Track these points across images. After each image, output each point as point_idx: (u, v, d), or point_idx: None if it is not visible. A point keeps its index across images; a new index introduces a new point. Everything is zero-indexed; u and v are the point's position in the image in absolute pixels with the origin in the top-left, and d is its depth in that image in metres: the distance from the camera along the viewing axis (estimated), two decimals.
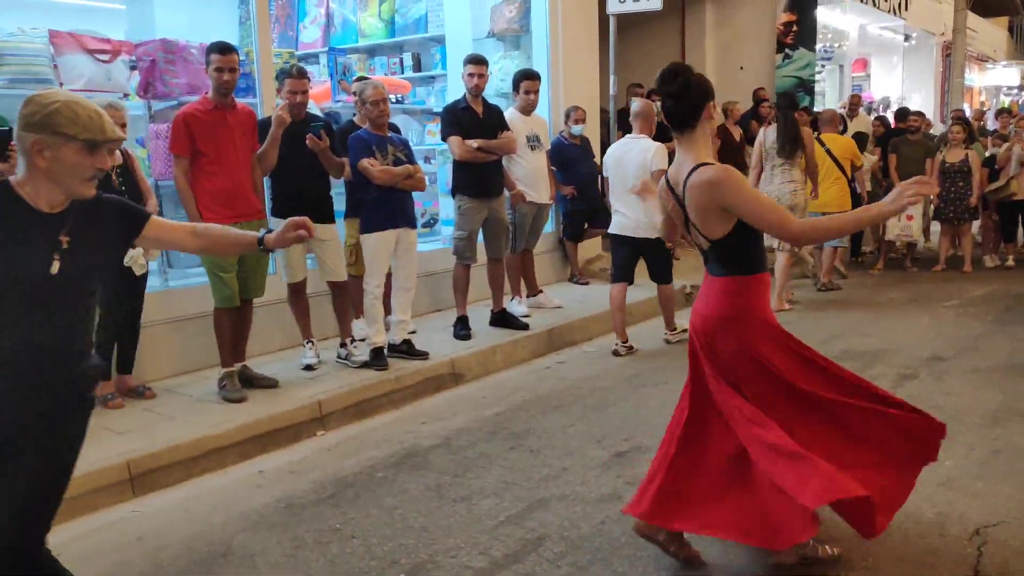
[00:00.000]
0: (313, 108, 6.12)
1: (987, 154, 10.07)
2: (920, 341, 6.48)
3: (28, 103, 2.33)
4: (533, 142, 6.87)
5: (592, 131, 8.53)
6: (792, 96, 8.41)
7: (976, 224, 10.05)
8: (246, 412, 4.69)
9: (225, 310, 4.97)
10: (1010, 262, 9.75)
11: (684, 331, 5.75)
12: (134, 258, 4.70)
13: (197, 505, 3.91)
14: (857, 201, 8.41)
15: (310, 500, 3.90)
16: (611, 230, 6.35)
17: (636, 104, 6.45)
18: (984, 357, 5.95)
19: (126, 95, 5.67)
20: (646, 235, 6.11)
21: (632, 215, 6.15)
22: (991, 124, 14.79)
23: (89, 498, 3.85)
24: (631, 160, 6.13)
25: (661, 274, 6.40)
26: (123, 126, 4.73)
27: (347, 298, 5.64)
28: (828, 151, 8.19)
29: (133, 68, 5.63)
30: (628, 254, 6.30)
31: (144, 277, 4.90)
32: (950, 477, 3.89)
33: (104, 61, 5.44)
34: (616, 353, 6.20)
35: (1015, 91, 28.63)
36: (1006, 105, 20.12)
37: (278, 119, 5.03)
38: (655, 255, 6.25)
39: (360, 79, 6.28)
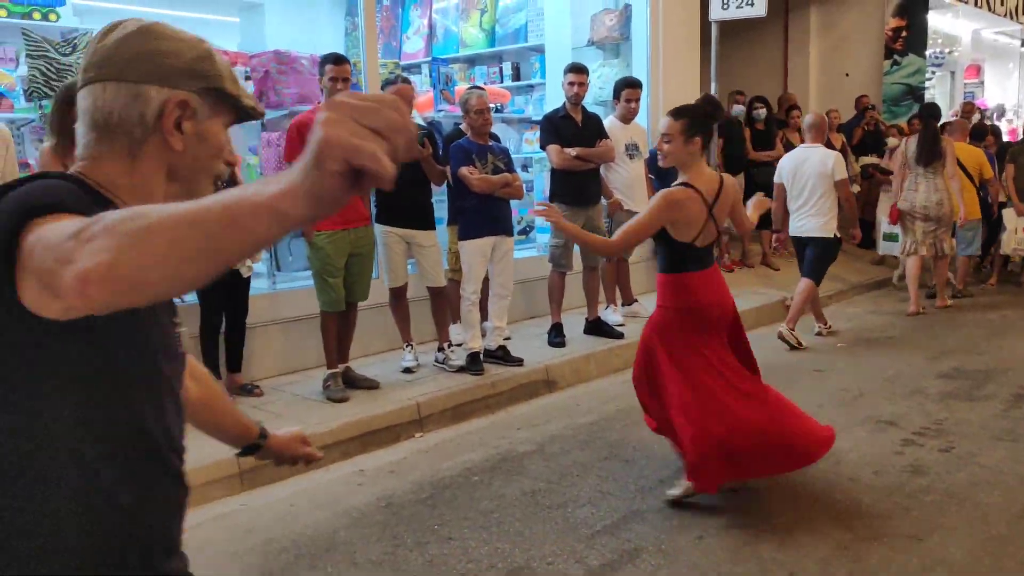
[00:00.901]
0: (416, 117, 6.26)
1: None
2: None
3: (144, 33, 1.27)
4: (632, 150, 6.85)
5: None
6: (934, 106, 8.69)
7: None
8: (348, 412, 4.82)
9: (331, 313, 5.13)
10: None
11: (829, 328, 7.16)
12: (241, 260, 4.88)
13: (301, 501, 4.04)
14: (987, 209, 8.66)
15: (409, 500, 3.98)
16: (791, 232, 7.00)
17: (809, 117, 7.19)
18: None
19: None
20: (813, 235, 6.81)
21: (802, 218, 6.84)
22: None
23: (203, 490, 4.02)
24: (810, 168, 6.74)
25: (811, 271, 6.89)
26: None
27: (445, 303, 5.73)
28: (958, 161, 8.12)
29: (247, 78, 5.87)
30: (801, 251, 7.06)
31: (248, 279, 5.09)
32: None
33: None
34: (819, 334, 7.11)
35: None
36: None
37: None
38: (815, 251, 6.86)
39: (474, 87, 6.37)
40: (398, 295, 5.60)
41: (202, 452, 4.14)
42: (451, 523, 3.72)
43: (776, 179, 7.03)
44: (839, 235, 6.91)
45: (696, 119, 3.74)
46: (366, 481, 4.26)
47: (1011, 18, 16.20)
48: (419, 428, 4.93)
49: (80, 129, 1.28)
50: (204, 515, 3.89)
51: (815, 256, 6.82)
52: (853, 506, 3.75)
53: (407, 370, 5.55)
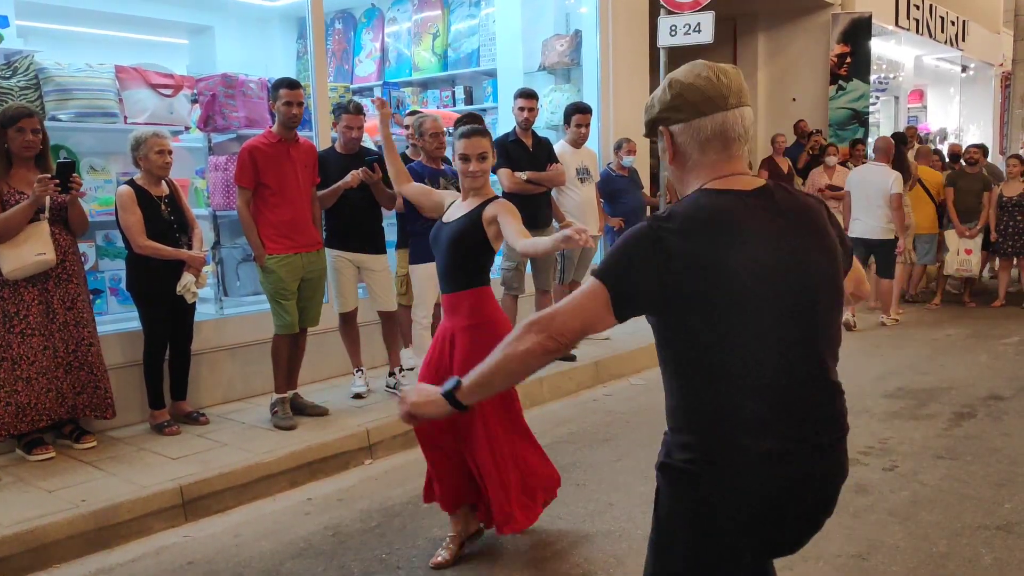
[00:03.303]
0: (367, 141, 6.24)
1: None
2: (978, 379, 6.32)
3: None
4: (583, 174, 6.90)
5: (641, 162, 8.53)
6: (903, 134, 10.40)
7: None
8: (296, 439, 4.75)
9: (284, 337, 5.07)
10: None
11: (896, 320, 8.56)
12: (186, 286, 4.83)
13: (247, 531, 3.97)
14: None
15: (357, 529, 3.93)
16: (850, 234, 8.02)
17: (878, 141, 8.62)
18: None
19: (187, 128, 5.86)
20: (877, 237, 8.18)
21: (869, 222, 8.18)
22: None
23: (142, 522, 3.94)
24: (874, 181, 8.19)
25: (885, 270, 8.38)
26: (169, 153, 4.87)
27: (396, 327, 5.70)
28: (920, 181, 9.33)
29: (194, 102, 5.81)
30: (862, 253, 8.09)
31: (194, 305, 5.02)
32: (1009, 521, 3.78)
33: (167, 95, 5.62)
34: (883, 324, 8.50)
35: None
36: None
37: (352, 178, 5.21)
38: (883, 254, 8.27)
39: (412, 113, 6.39)
40: (348, 320, 5.56)
41: (141, 483, 4.08)
42: (399, 552, 3.67)
43: (846, 188, 8.59)
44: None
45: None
46: (314, 510, 4.19)
47: (951, 45, 16.72)
48: (369, 455, 4.87)
49: None
50: (143, 548, 3.81)
51: (885, 258, 8.32)
52: None
53: (357, 396, 5.49)
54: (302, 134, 5.31)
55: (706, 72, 1.83)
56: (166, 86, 5.63)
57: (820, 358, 1.83)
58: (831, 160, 9.99)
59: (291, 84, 5.02)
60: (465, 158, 3.46)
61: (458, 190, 5.57)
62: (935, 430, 5.12)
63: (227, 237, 5.91)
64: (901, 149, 9.00)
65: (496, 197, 3.54)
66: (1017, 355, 7.09)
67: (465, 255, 3.48)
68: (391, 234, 5.99)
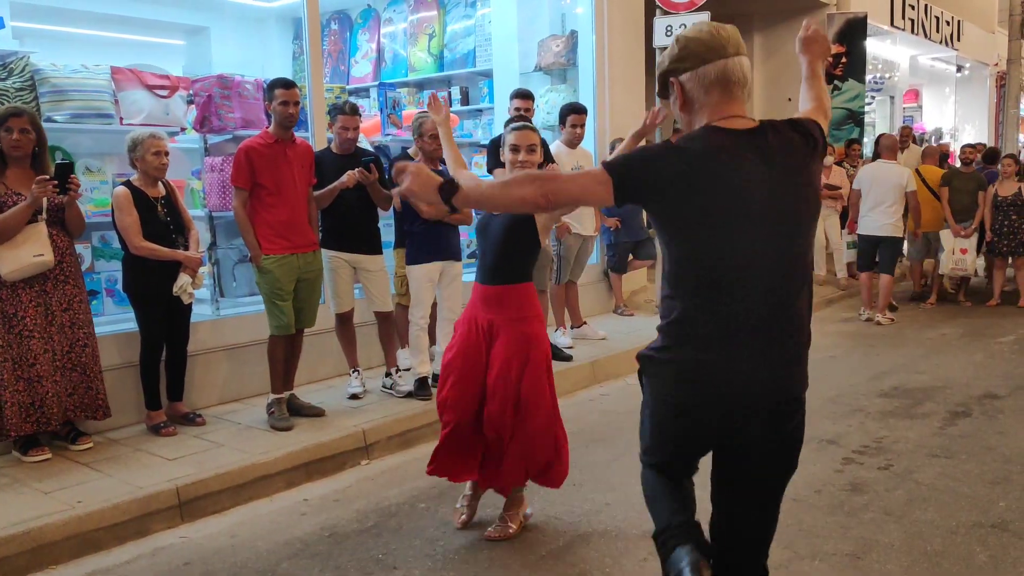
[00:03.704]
0: (363, 141, 6.25)
1: None
2: (973, 378, 6.34)
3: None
4: None
5: None
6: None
7: None
8: (292, 440, 4.75)
9: (280, 338, 5.07)
10: None
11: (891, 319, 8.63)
12: (183, 287, 4.83)
13: (243, 532, 3.97)
14: None
15: (353, 529, 3.93)
16: (859, 231, 8.68)
17: (884, 139, 8.95)
18: None
19: (183, 129, 5.86)
20: (883, 234, 8.45)
21: (879, 220, 8.43)
22: None
23: (139, 523, 3.94)
24: (886, 179, 8.46)
25: (888, 266, 8.57)
26: (166, 155, 4.88)
27: (393, 328, 5.70)
28: (924, 180, 9.48)
29: (190, 103, 5.81)
30: (869, 247, 8.63)
31: (190, 306, 5.02)
32: (1003, 519, 3.80)
33: (163, 96, 5.62)
34: (870, 320, 8.63)
35: None
36: None
37: (348, 178, 5.23)
38: (886, 249, 8.53)
39: (423, 114, 6.37)
40: (344, 320, 5.56)
41: (137, 484, 4.08)
42: (396, 552, 3.68)
43: (855, 186, 8.82)
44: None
45: None
46: (310, 511, 4.20)
47: (946, 45, 16.77)
48: (365, 455, 4.88)
49: None
50: (140, 549, 3.81)
51: (889, 253, 8.54)
52: (795, 525, 3.79)
53: (354, 396, 5.50)
54: (298, 135, 5.32)
55: (707, 27, 2.20)
56: (162, 87, 5.63)
57: (784, 282, 2.15)
58: (828, 160, 10.01)
59: (287, 84, 5.02)
60: (515, 148, 3.58)
61: None
62: (930, 429, 5.13)
63: (223, 238, 5.91)
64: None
65: None
66: (1012, 354, 7.12)
67: (515, 247, 3.53)
68: (388, 234, 5.99)
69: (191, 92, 5.79)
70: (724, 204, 2.07)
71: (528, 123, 3.78)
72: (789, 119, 2.29)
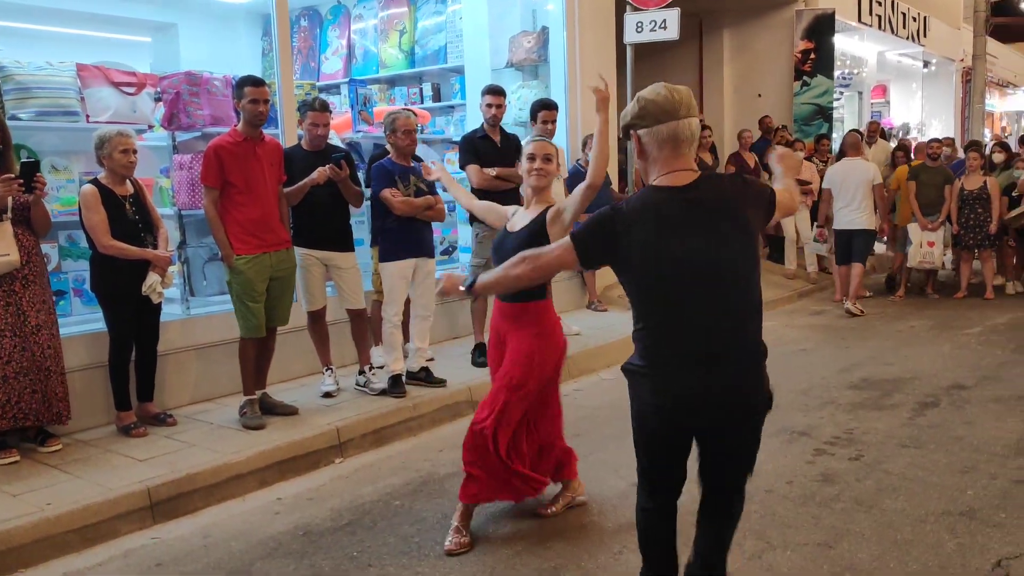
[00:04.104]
0: (334, 138, 6.21)
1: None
2: (941, 369, 6.43)
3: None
4: None
5: (610, 158, 8.57)
6: (859, 133, 10.74)
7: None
8: (265, 439, 4.72)
9: (250, 340, 5.03)
10: None
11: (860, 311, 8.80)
12: (152, 286, 4.78)
13: (216, 532, 3.94)
14: None
15: (328, 528, 3.92)
16: (834, 226, 9.05)
17: (848, 137, 9.45)
18: (1006, 386, 5.89)
19: (151, 127, 5.79)
20: (855, 227, 8.81)
21: (852, 215, 8.82)
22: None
23: (109, 525, 3.89)
24: (855, 176, 8.82)
25: (859, 256, 8.90)
26: (134, 152, 4.82)
27: (366, 325, 5.67)
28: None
29: (158, 100, 5.74)
30: (844, 242, 8.97)
31: (159, 305, 4.96)
32: (971, 507, 3.85)
33: (130, 94, 5.55)
34: (849, 312, 8.75)
35: None
36: None
37: (319, 175, 5.20)
38: (860, 242, 8.87)
39: (406, 109, 6.33)
40: (316, 318, 5.53)
41: (108, 485, 4.03)
42: (370, 550, 3.67)
43: (825, 185, 9.19)
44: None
45: None
46: (284, 510, 4.17)
47: (913, 41, 16.97)
48: (339, 454, 4.86)
49: None
50: (111, 551, 3.77)
51: (863, 245, 8.87)
52: (768, 516, 3.83)
53: (327, 395, 5.47)
54: (268, 132, 5.27)
55: (664, 91, 2.54)
56: (129, 84, 5.56)
57: (728, 311, 2.50)
58: (798, 155, 10.11)
59: (256, 82, 4.98)
60: (532, 157, 3.67)
61: (426, 189, 5.60)
62: (899, 420, 5.20)
63: (193, 236, 5.85)
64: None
65: (552, 205, 3.68)
66: (979, 345, 7.23)
67: None
68: (360, 231, 5.96)
69: (159, 89, 5.72)
70: (663, 256, 2.46)
71: (546, 138, 3.92)
72: (736, 175, 2.77)
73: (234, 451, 4.53)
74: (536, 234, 3.57)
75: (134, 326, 4.87)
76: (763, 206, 2.61)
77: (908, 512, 3.83)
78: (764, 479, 4.25)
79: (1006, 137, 18.85)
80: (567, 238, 2.64)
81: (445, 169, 4.60)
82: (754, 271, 2.56)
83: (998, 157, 10.34)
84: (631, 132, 2.59)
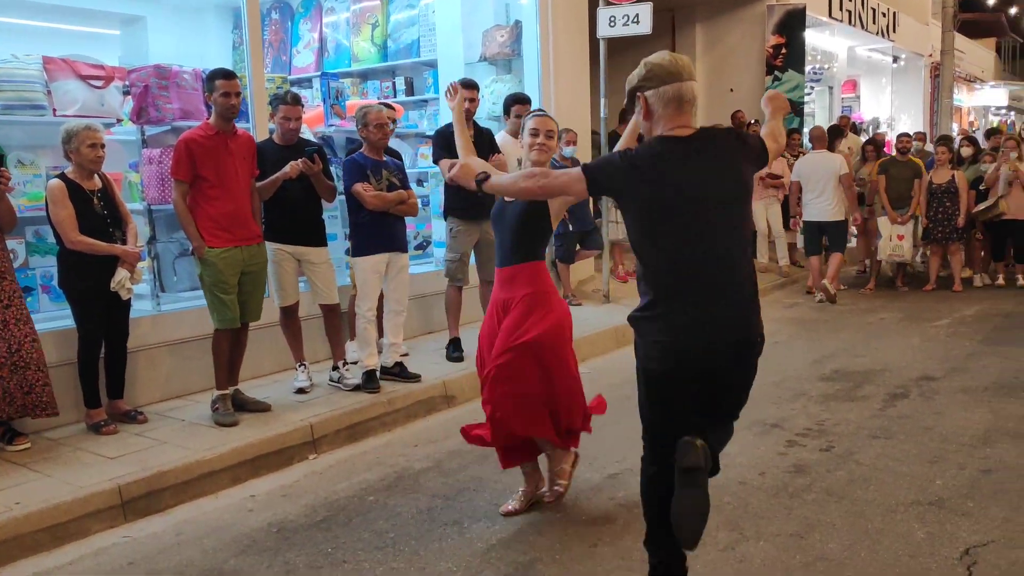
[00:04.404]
0: (306, 132, 6.17)
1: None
2: (911, 361, 6.51)
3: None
4: (524, 165, 6.90)
5: (583, 153, 8.59)
6: (837, 127, 11.50)
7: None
8: (238, 436, 4.68)
9: (224, 332, 4.98)
10: (1000, 281, 9.82)
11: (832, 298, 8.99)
12: (120, 282, 4.72)
13: (188, 530, 3.90)
14: None
15: (301, 524, 3.89)
16: (804, 218, 9.30)
17: (814, 130, 9.78)
18: (974, 377, 5.98)
19: (119, 121, 5.72)
20: (827, 218, 9.03)
21: (821, 205, 9.03)
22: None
23: (80, 523, 3.84)
24: (823, 168, 9.04)
25: (836, 246, 9.18)
26: (102, 147, 4.76)
27: (339, 320, 5.64)
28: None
29: (126, 94, 5.67)
30: (815, 233, 9.26)
31: (128, 301, 4.91)
32: (940, 497, 3.91)
33: (97, 87, 5.47)
34: (822, 301, 9.01)
35: (1003, 111, 28.90)
36: (995, 125, 20.32)
37: (292, 169, 5.15)
38: (833, 232, 9.13)
39: (382, 103, 6.29)
40: (289, 314, 5.49)
41: (78, 483, 3.99)
42: (345, 546, 3.65)
43: (793, 178, 9.45)
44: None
45: None
46: (257, 507, 4.14)
47: (882, 36, 17.15)
48: (313, 450, 4.83)
49: None
50: (82, 550, 3.72)
51: (836, 235, 9.14)
52: (741, 508, 3.86)
53: (300, 391, 5.44)
54: (239, 126, 5.22)
55: (668, 56, 2.80)
56: (96, 77, 5.48)
57: (726, 247, 2.74)
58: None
59: (227, 74, 4.93)
60: (535, 132, 3.80)
61: (399, 183, 5.58)
62: (870, 411, 5.26)
63: (163, 231, 5.79)
64: (833, 141, 10.21)
65: None
66: (948, 337, 7.33)
67: (532, 230, 3.76)
68: (332, 226, 5.93)
69: (127, 83, 5.64)
70: (667, 193, 2.68)
71: (547, 113, 4.05)
72: (732, 128, 3.05)
73: (206, 448, 4.49)
74: (537, 203, 3.69)
75: (103, 323, 4.81)
76: (755, 159, 2.92)
77: (878, 502, 3.88)
78: (737, 471, 4.29)
79: (974, 132, 19.08)
80: (578, 169, 2.85)
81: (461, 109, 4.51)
82: (748, 215, 2.91)
83: (966, 151, 10.48)
84: (637, 95, 2.80)
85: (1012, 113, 29.15)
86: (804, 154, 10.98)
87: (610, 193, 2.88)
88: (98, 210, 4.75)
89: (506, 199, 3.82)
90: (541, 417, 3.75)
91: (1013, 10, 29.70)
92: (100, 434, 4.73)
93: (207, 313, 5.03)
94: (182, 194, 4.87)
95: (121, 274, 4.73)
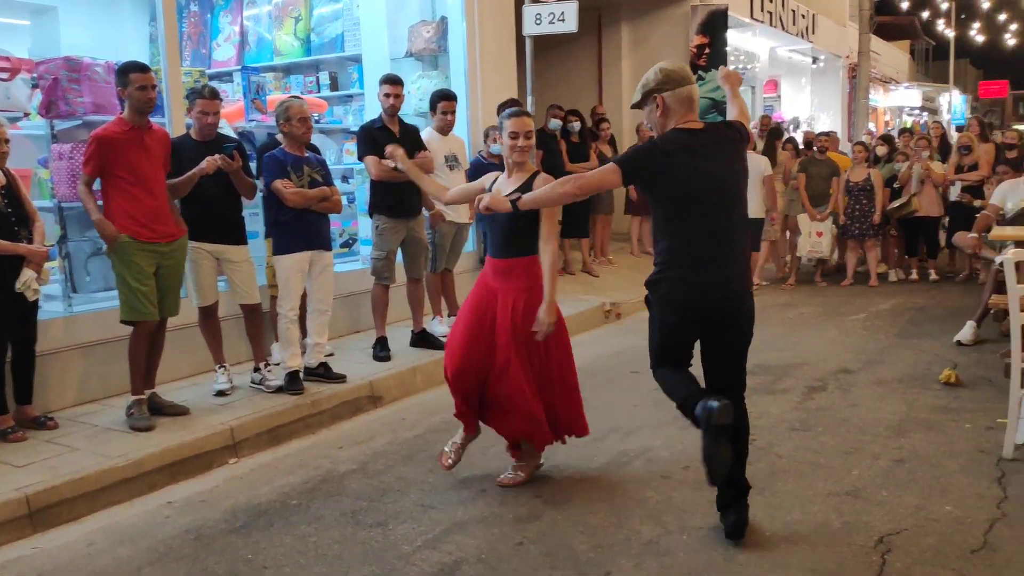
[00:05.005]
0: (225, 127, 6.01)
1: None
2: (829, 354, 6.68)
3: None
4: (451, 162, 6.87)
5: None
6: (778, 129, 12.05)
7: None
8: (154, 441, 4.54)
9: (142, 332, 4.80)
10: (914, 276, 10.16)
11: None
12: (27, 283, 4.53)
13: (101, 539, 3.77)
14: None
15: (221, 530, 3.79)
16: None
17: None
18: (888, 369, 6.17)
19: (27, 114, 5.48)
20: (752, 216, 8.51)
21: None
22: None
23: None
24: (751, 168, 9.13)
25: (755, 244, 9.52)
26: (6, 142, 4.57)
27: (260, 320, 5.52)
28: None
29: (35, 87, 5.44)
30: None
31: (36, 303, 4.71)
32: (856, 487, 4.01)
33: (3, 79, 5.23)
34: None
35: (917, 111, 29.97)
36: (908, 125, 21.05)
37: (208, 165, 5.00)
38: (756, 229, 9.43)
39: (294, 97, 6.15)
40: (208, 314, 5.34)
41: None
42: (266, 551, 3.57)
43: None
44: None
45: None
46: (174, 513, 4.02)
47: (802, 37, 17.58)
48: (233, 454, 4.71)
49: None
50: None
51: (754, 232, 9.34)
52: (664, 502, 3.90)
53: (220, 393, 5.30)
54: (154, 120, 5.05)
55: (679, 64, 3.45)
56: (2, 69, 5.24)
57: (730, 228, 3.37)
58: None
59: (141, 68, 4.77)
60: (515, 135, 3.96)
61: (321, 180, 5.48)
62: (790, 404, 5.38)
63: (75, 230, 5.57)
64: (774, 141, 10.83)
65: (540, 171, 4.05)
66: (864, 330, 7.55)
67: (526, 224, 3.91)
68: (254, 224, 5.79)
69: (35, 75, 5.41)
70: (686, 178, 3.28)
71: (523, 108, 4.16)
72: (726, 121, 3.66)
73: (120, 454, 4.34)
74: None
75: (9, 326, 4.60)
76: (746, 143, 3.53)
77: (797, 493, 3.96)
78: (660, 465, 4.34)
79: (889, 131, 19.73)
80: (611, 164, 3.36)
81: (405, 157, 4.75)
82: (746, 195, 3.50)
83: (881, 150, 10.82)
84: (655, 96, 3.34)
85: (925, 113, 30.25)
86: None
87: (642, 179, 3.40)
88: (1, 208, 4.55)
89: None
90: (538, 415, 4.00)
91: (925, 14, 30.80)
92: (7, 441, 4.53)
93: (121, 307, 4.83)
94: (85, 182, 4.70)
95: (27, 275, 4.53)
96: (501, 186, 3.98)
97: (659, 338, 3.47)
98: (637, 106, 3.46)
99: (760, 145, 10.94)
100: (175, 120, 5.80)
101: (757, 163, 9.41)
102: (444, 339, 6.56)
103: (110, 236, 4.68)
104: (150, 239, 4.77)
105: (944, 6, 29.83)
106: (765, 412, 5.20)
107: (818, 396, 5.55)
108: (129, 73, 4.73)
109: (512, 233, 3.96)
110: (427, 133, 6.79)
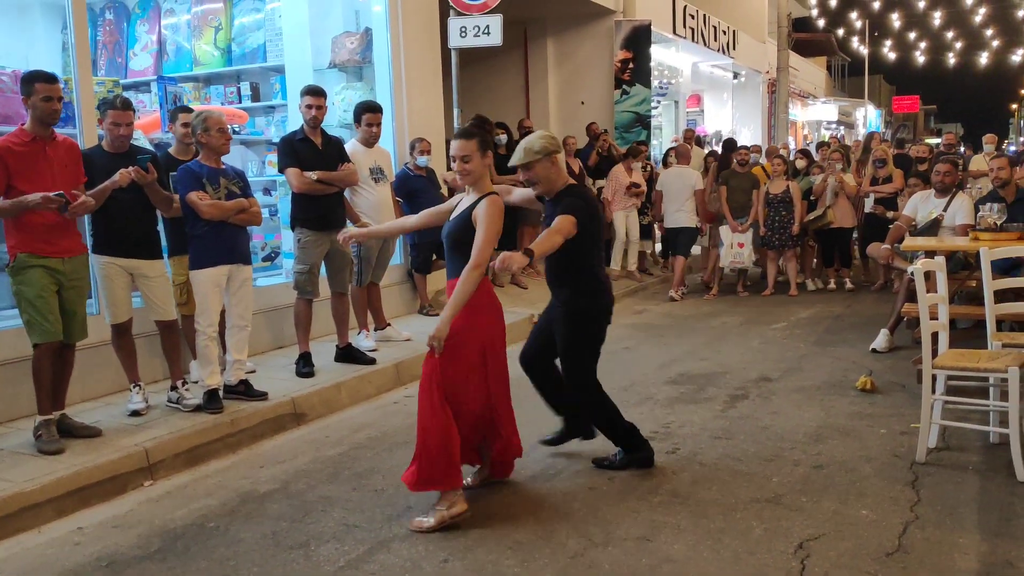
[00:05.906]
0: (141, 139, 5.84)
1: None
2: (750, 363, 6.81)
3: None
4: (376, 174, 6.80)
5: (438, 163, 8.55)
6: (731, 141, 12.60)
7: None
8: (64, 464, 4.35)
9: (45, 350, 4.60)
10: (831, 285, 10.45)
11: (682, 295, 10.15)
12: None
13: (7, 569, 3.59)
14: None
15: (134, 556, 3.65)
16: (666, 225, 10.43)
17: (678, 147, 11.42)
18: (807, 376, 6.31)
19: None
20: (680, 225, 10.11)
21: (679, 215, 10.06)
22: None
23: None
24: (682, 181, 10.10)
25: (684, 250, 10.26)
26: None
27: (177, 338, 5.35)
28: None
29: None
30: (672, 237, 10.37)
31: None
32: (777, 493, 4.08)
33: None
34: (672, 299, 10.01)
35: (834, 125, 30.98)
36: (825, 139, 21.71)
37: (121, 177, 4.85)
38: (683, 237, 10.17)
39: (183, 110, 5.97)
40: (121, 331, 5.16)
41: None
42: None
43: (658, 188, 10.39)
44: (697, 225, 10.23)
45: (485, 137, 4.05)
46: (85, 540, 3.85)
47: (723, 53, 18.01)
48: (148, 476, 4.55)
49: None
50: None
51: (686, 240, 10.17)
52: (590, 513, 3.91)
53: (135, 413, 5.11)
54: (66, 132, 4.87)
55: (550, 135, 4.28)
56: None
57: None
58: (636, 165, 10.71)
59: (48, 78, 4.59)
60: (454, 158, 3.98)
61: (239, 192, 5.35)
62: (712, 412, 5.46)
63: None
64: (728, 155, 11.21)
65: (491, 193, 3.99)
66: (784, 339, 7.72)
67: (463, 246, 3.91)
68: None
69: None
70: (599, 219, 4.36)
71: (467, 129, 4.04)
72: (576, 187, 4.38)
73: (27, 479, 4.14)
74: (463, 225, 3.94)
75: None
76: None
77: (720, 501, 4.01)
78: (586, 477, 4.35)
79: (807, 145, 20.32)
80: (570, 216, 4.01)
81: (364, 230, 5.16)
82: None
83: (800, 163, 11.12)
84: (551, 154, 4.17)
85: (842, 127, 31.29)
86: (651, 165, 11.61)
87: (583, 224, 4.04)
88: None
89: (451, 217, 4.09)
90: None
91: (841, 31, 31.90)
92: None
93: (25, 329, 4.63)
94: None
95: None
96: (462, 204, 4.06)
97: (592, 354, 4.24)
98: (526, 167, 4.15)
99: (697, 161, 11.40)
100: (87, 131, 5.60)
101: (690, 176, 10.12)
102: (371, 353, 6.53)
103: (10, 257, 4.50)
104: (54, 255, 4.59)
105: (858, 24, 30.99)
106: (688, 421, 5.26)
107: (740, 404, 5.64)
108: (35, 83, 4.55)
109: (455, 253, 4.01)
110: (351, 145, 6.71)
